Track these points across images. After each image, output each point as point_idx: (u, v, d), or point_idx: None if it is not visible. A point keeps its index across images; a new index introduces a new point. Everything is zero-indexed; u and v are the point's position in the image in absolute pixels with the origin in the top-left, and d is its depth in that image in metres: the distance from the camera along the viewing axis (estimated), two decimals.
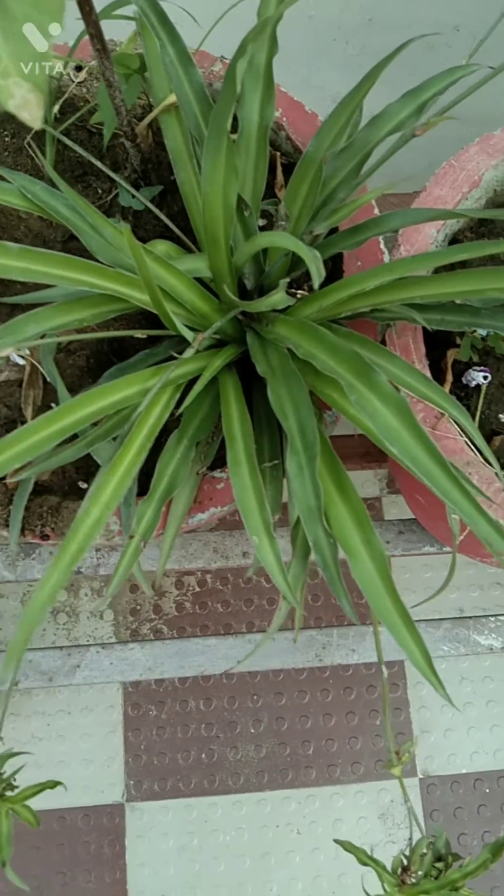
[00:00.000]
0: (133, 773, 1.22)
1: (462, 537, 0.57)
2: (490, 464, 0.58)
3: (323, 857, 1.21)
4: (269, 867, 1.20)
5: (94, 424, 0.54)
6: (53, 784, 0.54)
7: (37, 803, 1.26)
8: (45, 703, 1.24)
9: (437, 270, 0.65)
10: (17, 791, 0.62)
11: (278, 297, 0.51)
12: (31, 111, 0.32)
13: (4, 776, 0.61)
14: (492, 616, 0.94)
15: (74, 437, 0.53)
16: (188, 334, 0.52)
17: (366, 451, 0.94)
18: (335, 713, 1.26)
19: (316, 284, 0.41)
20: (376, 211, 0.65)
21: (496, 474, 0.59)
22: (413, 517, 0.95)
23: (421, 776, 1.24)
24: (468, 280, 0.52)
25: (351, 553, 0.48)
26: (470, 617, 0.95)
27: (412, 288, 0.54)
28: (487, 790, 1.25)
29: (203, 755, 1.24)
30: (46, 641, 1.25)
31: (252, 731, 1.25)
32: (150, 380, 0.51)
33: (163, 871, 1.19)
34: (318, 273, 0.41)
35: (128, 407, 0.50)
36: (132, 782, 1.22)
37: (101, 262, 0.54)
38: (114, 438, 0.55)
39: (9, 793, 0.62)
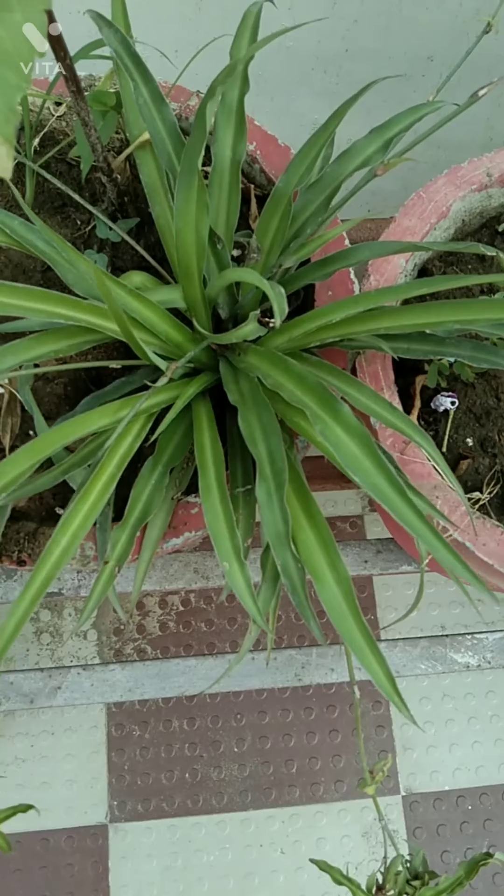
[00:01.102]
0: (116, 793, 1.22)
1: (428, 560, 0.59)
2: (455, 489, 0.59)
3: (306, 876, 1.21)
4: (253, 887, 1.20)
5: (69, 451, 0.56)
6: (25, 808, 0.54)
7: (19, 825, 1.26)
8: (29, 724, 1.24)
9: (405, 301, 0.67)
10: None
11: (248, 329, 0.53)
12: (1, 162, 0.33)
13: None
14: (468, 634, 0.96)
15: (50, 464, 0.54)
16: (161, 364, 0.53)
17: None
18: (318, 731, 1.27)
19: (278, 323, 0.43)
20: (347, 242, 0.67)
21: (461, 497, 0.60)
22: (391, 537, 0.97)
23: (404, 793, 1.25)
24: (432, 312, 0.54)
25: (317, 577, 0.49)
26: (447, 635, 0.96)
27: (379, 319, 0.56)
28: (470, 807, 1.26)
29: (187, 775, 1.24)
30: (30, 662, 1.26)
31: (236, 750, 1.25)
32: (122, 410, 0.53)
33: (146, 892, 1.19)
34: (280, 311, 0.42)
35: (103, 433, 0.52)
36: (116, 803, 1.22)
37: (77, 294, 0.56)
38: (88, 465, 0.56)
39: None
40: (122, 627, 1.30)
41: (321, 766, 1.26)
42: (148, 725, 1.25)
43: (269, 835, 1.23)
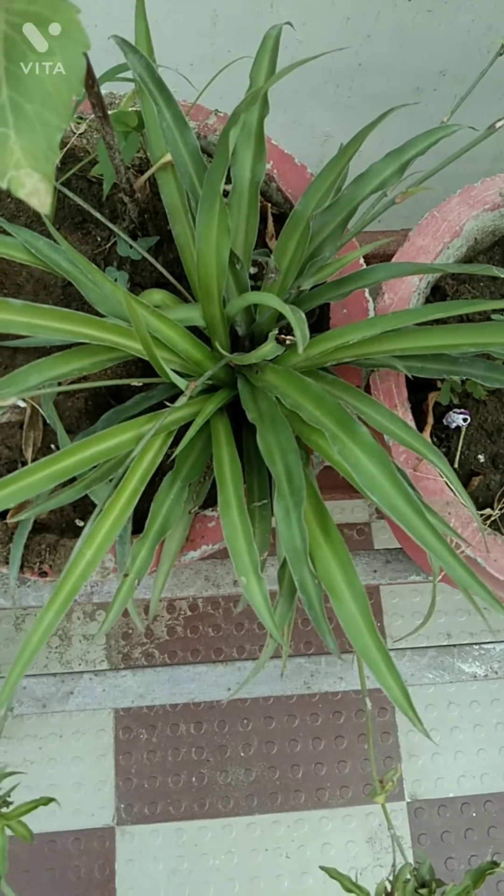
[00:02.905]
0: (124, 796, 1.23)
1: (441, 575, 0.60)
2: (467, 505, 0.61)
3: (311, 881, 1.23)
4: (258, 891, 1.21)
5: (92, 467, 0.57)
6: (47, 801, 0.56)
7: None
8: (37, 727, 1.25)
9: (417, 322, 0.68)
10: (11, 808, 0.65)
11: (267, 350, 0.54)
12: (40, 198, 0.35)
13: (0, 793, 0.63)
14: (475, 644, 0.97)
15: (73, 479, 0.55)
16: (181, 383, 0.55)
17: None
18: (324, 737, 1.28)
19: (301, 349, 0.44)
20: (362, 262, 0.68)
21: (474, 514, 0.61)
22: (400, 546, 0.98)
23: (409, 800, 1.26)
24: (448, 335, 0.55)
25: (334, 594, 0.50)
26: (455, 645, 0.98)
27: (395, 341, 0.57)
28: (474, 814, 1.27)
29: (193, 779, 1.25)
30: (39, 665, 1.27)
31: (242, 754, 1.27)
32: (143, 426, 0.54)
33: (152, 895, 1.20)
34: (302, 337, 0.44)
35: (124, 451, 0.53)
36: (123, 806, 1.23)
37: (100, 313, 0.57)
38: (110, 480, 0.58)
39: (4, 809, 0.65)
40: (130, 632, 1.31)
41: (327, 772, 1.27)
42: (155, 729, 1.26)
43: (275, 839, 1.24)
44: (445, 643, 1.03)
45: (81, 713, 1.25)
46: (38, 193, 0.35)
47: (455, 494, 0.63)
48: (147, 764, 1.25)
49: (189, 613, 1.32)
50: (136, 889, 1.20)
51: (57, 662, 1.28)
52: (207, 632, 1.32)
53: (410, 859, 1.13)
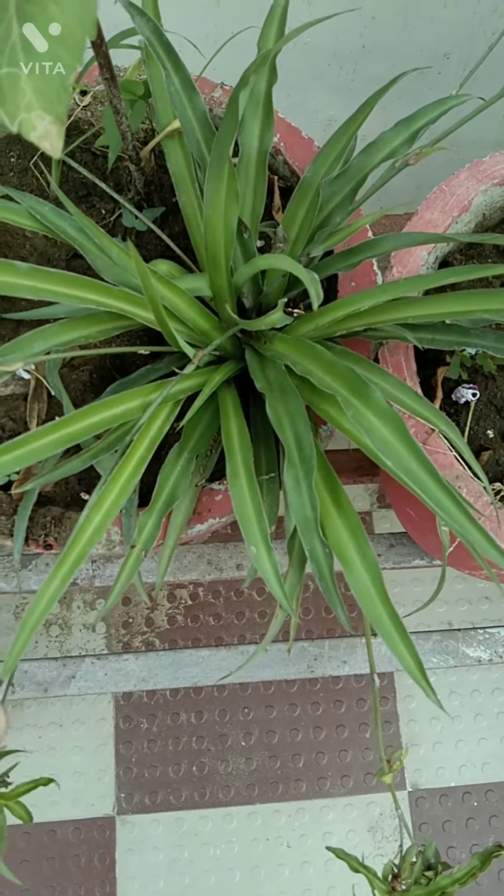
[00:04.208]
0: (124, 785, 1.22)
1: (451, 549, 0.59)
2: (479, 478, 0.60)
3: (312, 870, 1.22)
4: (259, 880, 1.20)
5: (97, 437, 0.56)
6: (46, 781, 0.55)
7: None
8: (37, 716, 1.24)
9: (427, 292, 0.67)
10: (10, 788, 0.64)
11: (277, 317, 0.54)
12: (52, 142, 0.34)
13: None
14: (480, 629, 0.96)
15: (78, 449, 0.54)
16: (190, 351, 0.54)
17: (357, 466, 0.96)
18: (325, 726, 1.27)
19: (315, 306, 0.43)
20: (370, 233, 0.67)
21: (484, 488, 0.61)
22: (403, 531, 0.97)
23: (410, 789, 1.25)
24: (458, 301, 0.55)
25: (346, 563, 0.49)
26: (459, 629, 0.97)
27: (405, 308, 0.56)
28: (475, 803, 1.26)
29: (194, 768, 1.24)
30: (38, 654, 1.26)
31: (243, 744, 1.26)
32: (151, 394, 0.53)
33: (153, 884, 1.19)
34: (317, 296, 0.43)
35: (129, 420, 0.52)
36: (123, 795, 1.22)
37: (106, 281, 0.56)
38: (115, 451, 0.57)
39: (3, 789, 0.64)
40: (130, 620, 1.30)
41: (328, 761, 1.26)
42: (156, 718, 1.25)
43: (276, 829, 1.23)
44: (449, 628, 1.03)
45: (82, 701, 1.23)
46: (49, 136, 0.34)
47: (465, 468, 0.62)
48: (147, 753, 1.24)
49: (190, 602, 1.31)
50: (137, 878, 1.19)
51: (57, 651, 1.27)
52: (208, 621, 1.31)
53: (409, 844, 1.12)
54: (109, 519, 0.48)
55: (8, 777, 0.66)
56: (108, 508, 0.48)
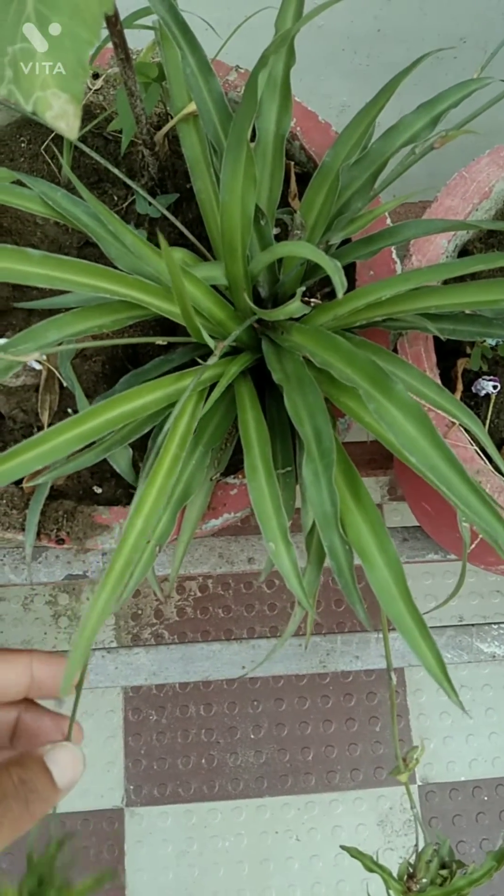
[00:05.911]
0: (133, 777, 1.22)
1: (473, 546, 0.58)
2: (501, 472, 0.58)
3: (321, 864, 1.21)
4: (268, 873, 1.20)
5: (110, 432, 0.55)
6: None
7: None
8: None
9: (446, 281, 0.65)
10: None
11: (295, 306, 0.52)
12: (68, 122, 0.32)
13: None
14: (494, 624, 0.95)
15: (91, 443, 0.53)
16: (211, 343, 0.52)
17: (370, 458, 0.95)
18: (335, 720, 1.27)
19: (339, 294, 0.42)
20: (389, 221, 0.65)
21: None
22: (417, 525, 0.96)
23: (420, 783, 1.25)
24: (482, 291, 0.53)
25: (366, 559, 0.48)
26: (473, 625, 0.96)
27: (427, 298, 0.54)
28: (486, 798, 1.26)
29: (203, 760, 1.24)
30: (48, 646, 1.25)
31: (252, 736, 1.25)
32: (171, 386, 0.52)
33: (161, 876, 1.19)
34: (341, 283, 0.41)
35: (150, 412, 0.51)
36: (132, 787, 1.22)
37: (120, 269, 0.55)
38: (129, 444, 0.56)
39: None
40: (139, 612, 1.29)
41: (337, 755, 1.26)
42: (165, 710, 1.25)
43: (285, 822, 1.23)
44: (462, 623, 1.01)
45: (91, 693, 1.23)
46: (65, 116, 0.32)
47: (487, 463, 0.61)
48: (156, 745, 1.24)
49: (199, 594, 1.30)
50: (146, 870, 1.19)
51: (66, 643, 1.26)
52: (217, 613, 1.30)
53: (423, 842, 1.11)
54: (152, 520, 0.47)
55: None
56: (149, 510, 0.47)
